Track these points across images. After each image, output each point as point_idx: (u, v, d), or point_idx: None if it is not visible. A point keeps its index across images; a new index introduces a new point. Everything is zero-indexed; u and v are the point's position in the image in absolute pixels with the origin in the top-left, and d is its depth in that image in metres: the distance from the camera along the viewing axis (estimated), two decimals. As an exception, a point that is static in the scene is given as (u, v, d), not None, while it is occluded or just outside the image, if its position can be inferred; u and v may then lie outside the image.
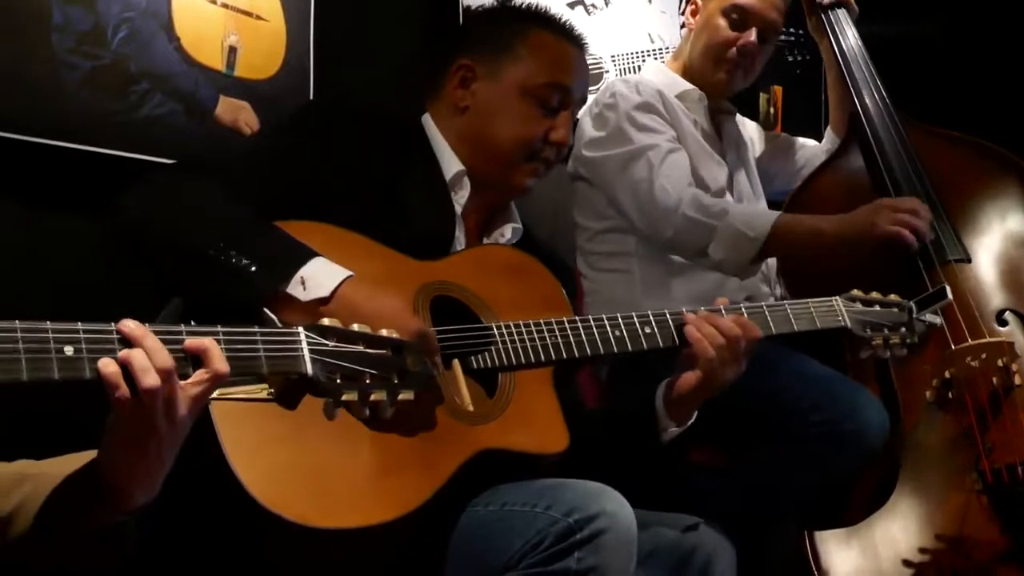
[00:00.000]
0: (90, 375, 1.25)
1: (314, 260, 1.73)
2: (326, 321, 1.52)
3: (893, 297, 2.40)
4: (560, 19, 2.27)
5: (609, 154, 2.91)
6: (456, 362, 1.89)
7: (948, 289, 2.43)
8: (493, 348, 1.93)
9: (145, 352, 1.28)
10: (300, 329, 1.47)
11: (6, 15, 2.46)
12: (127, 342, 1.28)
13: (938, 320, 2.46)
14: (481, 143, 2.16)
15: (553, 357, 1.97)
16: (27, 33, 2.50)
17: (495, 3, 2.93)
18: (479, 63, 2.18)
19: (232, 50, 2.84)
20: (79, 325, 1.25)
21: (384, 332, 1.58)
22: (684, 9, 3.26)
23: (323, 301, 1.70)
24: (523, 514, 1.76)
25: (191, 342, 1.34)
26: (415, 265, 1.95)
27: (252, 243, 1.73)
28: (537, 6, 2.37)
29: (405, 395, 1.58)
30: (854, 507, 2.69)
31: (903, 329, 2.36)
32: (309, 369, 1.45)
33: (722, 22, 3.01)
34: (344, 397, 1.51)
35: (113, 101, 2.63)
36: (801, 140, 3.48)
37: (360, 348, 1.54)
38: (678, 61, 3.15)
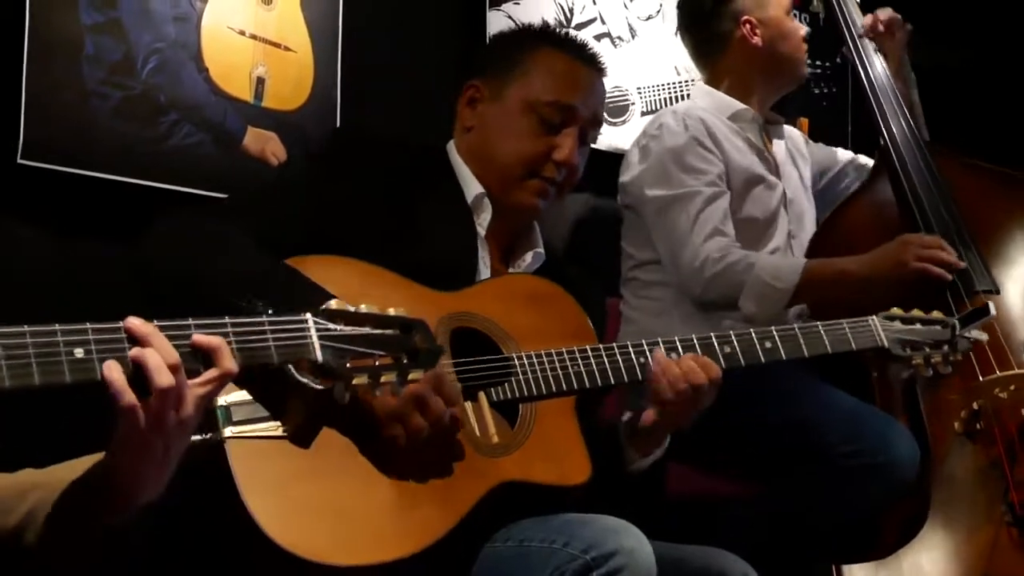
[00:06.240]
0: (101, 377, 1.24)
1: None
2: (333, 304, 1.50)
3: (936, 314, 2.34)
4: (572, 38, 2.26)
5: (650, 195, 2.89)
6: (482, 394, 1.88)
7: (991, 305, 2.40)
8: (513, 379, 1.91)
9: (155, 350, 1.26)
10: (308, 316, 1.45)
11: (38, 45, 2.49)
12: (135, 340, 1.26)
13: (984, 336, 2.40)
14: (484, 160, 2.15)
15: (576, 386, 1.94)
16: (58, 63, 2.53)
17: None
18: (487, 84, 2.18)
19: (260, 81, 2.86)
20: (88, 325, 1.25)
21: (392, 311, 1.54)
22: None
23: None
24: (540, 551, 1.75)
25: (199, 338, 1.31)
26: (435, 296, 1.93)
27: (267, 294, 1.70)
28: (552, 27, 2.36)
29: (415, 375, 1.55)
30: (884, 540, 2.66)
31: (945, 347, 2.28)
32: (319, 356, 1.43)
33: (793, 23, 3.07)
34: (355, 381, 1.48)
35: (142, 131, 2.66)
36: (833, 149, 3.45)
37: (368, 330, 1.51)
38: (727, 82, 3.12)
